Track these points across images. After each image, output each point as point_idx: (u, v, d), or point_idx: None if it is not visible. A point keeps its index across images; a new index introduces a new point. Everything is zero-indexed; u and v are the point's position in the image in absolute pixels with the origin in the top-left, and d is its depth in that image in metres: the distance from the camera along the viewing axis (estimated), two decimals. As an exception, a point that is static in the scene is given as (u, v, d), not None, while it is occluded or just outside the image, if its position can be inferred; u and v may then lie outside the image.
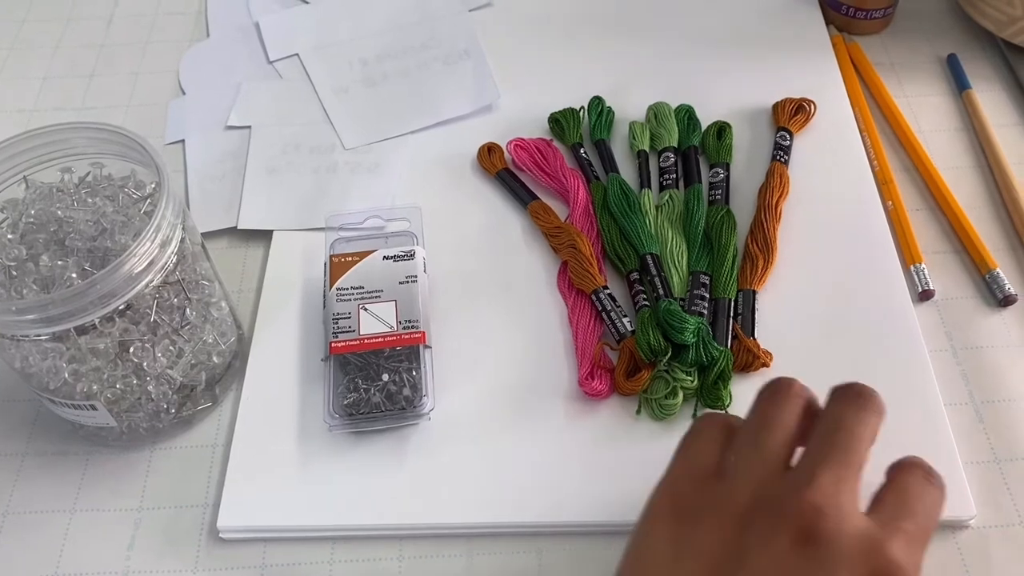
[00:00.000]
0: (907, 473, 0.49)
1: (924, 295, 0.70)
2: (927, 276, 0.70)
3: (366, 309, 0.67)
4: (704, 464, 0.50)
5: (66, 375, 0.58)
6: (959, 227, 0.74)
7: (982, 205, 0.76)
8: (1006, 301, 0.70)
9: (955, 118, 0.83)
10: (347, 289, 0.68)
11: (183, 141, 0.85)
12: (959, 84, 0.85)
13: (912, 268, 0.71)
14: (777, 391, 0.51)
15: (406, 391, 0.64)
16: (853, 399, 0.50)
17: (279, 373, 0.68)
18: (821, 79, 0.85)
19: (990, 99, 0.83)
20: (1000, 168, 0.77)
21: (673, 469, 0.51)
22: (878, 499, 0.48)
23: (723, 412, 0.55)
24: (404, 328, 0.66)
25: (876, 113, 0.83)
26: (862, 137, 0.80)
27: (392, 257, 0.70)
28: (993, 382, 0.66)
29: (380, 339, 0.65)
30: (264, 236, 0.77)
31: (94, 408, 0.60)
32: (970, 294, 0.71)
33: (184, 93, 0.90)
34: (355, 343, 0.65)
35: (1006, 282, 0.70)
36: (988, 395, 0.65)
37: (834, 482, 0.46)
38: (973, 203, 0.76)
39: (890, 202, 0.75)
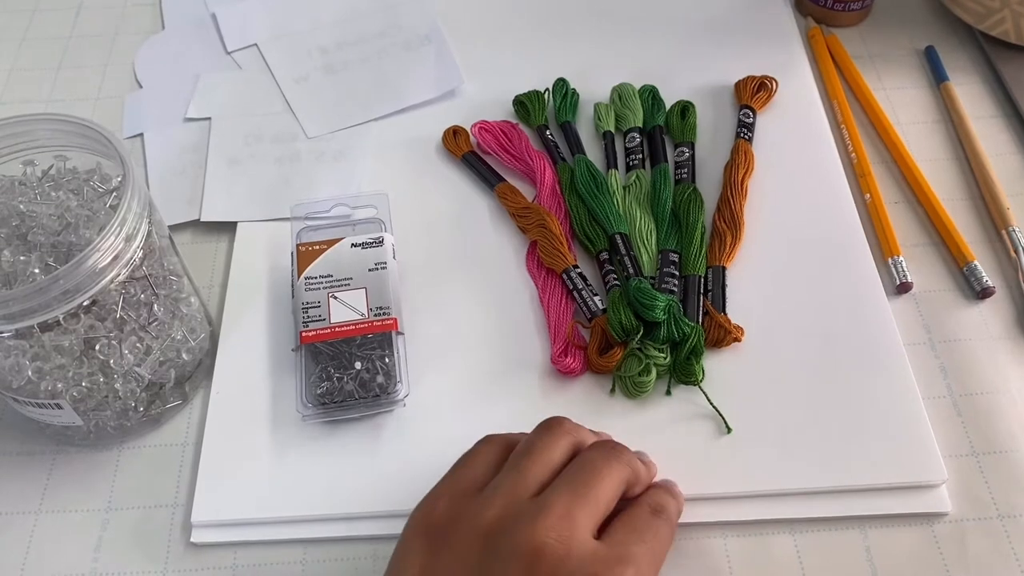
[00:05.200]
0: (635, 506, 0.56)
1: (902, 288, 0.73)
2: (905, 269, 0.74)
3: (336, 297, 0.70)
4: (469, 481, 0.56)
5: (29, 373, 0.60)
6: (937, 220, 0.77)
7: (960, 198, 0.80)
8: (984, 293, 0.73)
9: (933, 110, 0.87)
10: (315, 278, 0.71)
11: (142, 135, 0.88)
12: (937, 76, 0.89)
13: (890, 261, 0.75)
14: (549, 426, 0.58)
15: (379, 378, 0.66)
16: (605, 447, 0.57)
17: (249, 366, 0.71)
18: (783, 57, 0.90)
19: (968, 91, 0.87)
20: (978, 160, 0.81)
21: (438, 485, 0.56)
22: (608, 528, 0.54)
23: (506, 434, 0.59)
24: (375, 315, 0.69)
25: (854, 105, 0.87)
26: (840, 129, 0.84)
27: (360, 244, 0.73)
28: (971, 375, 0.70)
29: (351, 327, 0.68)
30: (229, 228, 0.80)
31: (59, 407, 0.62)
32: (948, 287, 0.74)
33: (141, 87, 0.93)
34: (326, 331, 0.68)
35: (984, 274, 0.73)
36: (966, 388, 0.69)
37: (566, 510, 0.52)
38: (951, 195, 0.80)
39: (868, 194, 0.79)
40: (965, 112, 0.85)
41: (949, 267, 0.76)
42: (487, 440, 0.59)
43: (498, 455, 0.57)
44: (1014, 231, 0.76)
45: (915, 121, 0.86)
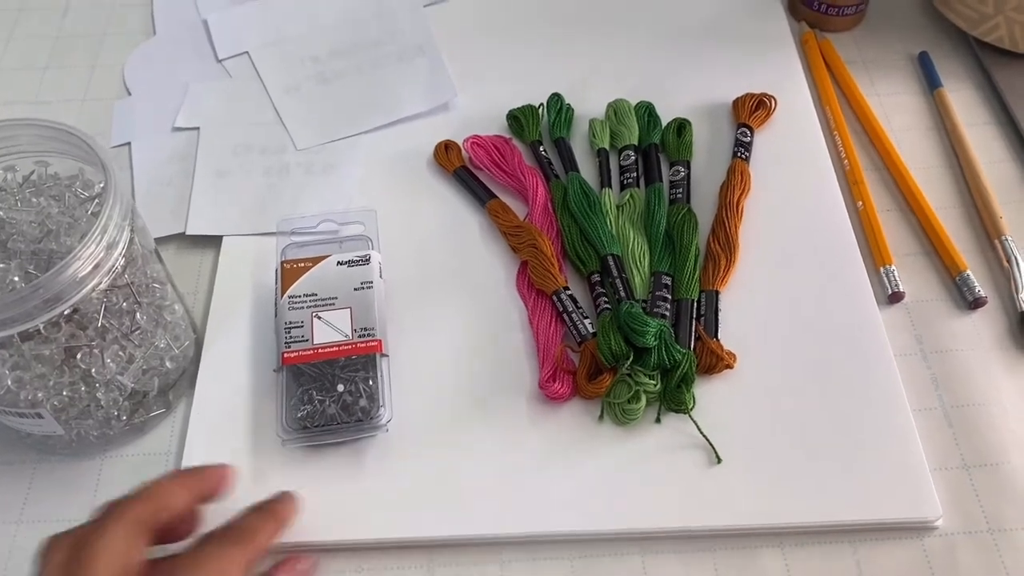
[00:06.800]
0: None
1: (894, 297, 0.73)
2: (897, 278, 0.74)
3: (320, 317, 0.69)
4: None
5: (9, 383, 0.60)
6: (929, 228, 0.77)
7: (952, 206, 0.80)
8: (976, 304, 0.73)
9: (926, 117, 0.87)
10: (300, 296, 0.70)
11: (129, 144, 0.87)
12: (930, 82, 0.89)
13: (882, 270, 0.74)
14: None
15: (362, 402, 0.66)
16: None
17: (230, 386, 0.70)
18: (782, 74, 0.90)
19: (961, 98, 0.87)
20: (971, 168, 0.81)
21: None
22: None
23: None
24: (360, 336, 0.68)
25: (847, 111, 0.87)
26: (832, 136, 0.84)
27: (346, 262, 0.72)
28: (962, 386, 0.69)
29: (335, 348, 0.67)
30: (214, 241, 0.79)
31: (40, 416, 0.62)
32: (940, 296, 0.74)
33: (130, 94, 0.92)
34: (308, 353, 0.67)
35: (976, 284, 0.73)
36: (957, 399, 0.69)
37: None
38: (943, 204, 0.79)
39: (860, 202, 0.79)
40: (959, 119, 0.85)
41: (941, 277, 0.75)
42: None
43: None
44: (1007, 240, 0.75)
45: (908, 128, 0.86)
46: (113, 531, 0.52)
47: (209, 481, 0.60)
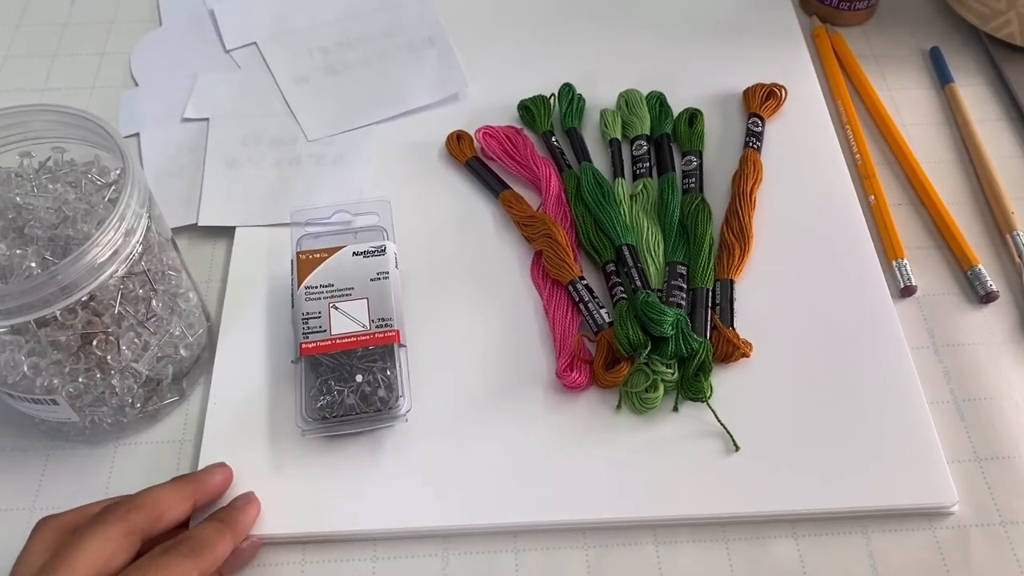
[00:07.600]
0: None
1: (906, 291, 0.74)
2: (909, 272, 0.74)
3: (337, 308, 0.69)
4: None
5: (25, 369, 0.60)
6: (941, 223, 0.77)
7: (964, 200, 0.80)
8: (988, 298, 0.73)
9: (937, 112, 0.87)
10: (316, 287, 0.70)
11: (138, 135, 0.87)
12: (942, 78, 0.89)
13: (894, 263, 0.75)
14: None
15: (381, 392, 0.66)
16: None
17: (247, 376, 0.70)
18: (792, 68, 0.90)
19: (972, 93, 0.88)
20: (982, 163, 0.81)
21: None
22: None
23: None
24: (377, 327, 0.68)
25: (858, 105, 0.87)
26: (844, 130, 0.85)
27: (362, 253, 0.72)
28: (974, 379, 0.70)
29: (352, 339, 0.67)
30: (227, 232, 0.79)
31: (55, 403, 0.62)
32: (952, 290, 0.75)
33: (137, 84, 0.92)
34: (326, 343, 0.67)
35: (988, 278, 0.73)
36: (969, 393, 0.69)
37: None
38: (955, 198, 0.80)
39: (872, 196, 0.79)
40: (970, 115, 0.85)
41: (953, 271, 0.76)
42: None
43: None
44: (1018, 235, 0.76)
45: (919, 122, 0.86)
46: (104, 534, 0.55)
47: (207, 488, 0.63)
